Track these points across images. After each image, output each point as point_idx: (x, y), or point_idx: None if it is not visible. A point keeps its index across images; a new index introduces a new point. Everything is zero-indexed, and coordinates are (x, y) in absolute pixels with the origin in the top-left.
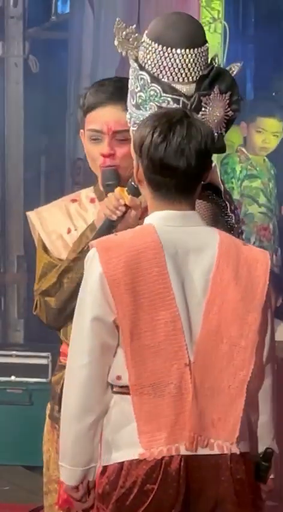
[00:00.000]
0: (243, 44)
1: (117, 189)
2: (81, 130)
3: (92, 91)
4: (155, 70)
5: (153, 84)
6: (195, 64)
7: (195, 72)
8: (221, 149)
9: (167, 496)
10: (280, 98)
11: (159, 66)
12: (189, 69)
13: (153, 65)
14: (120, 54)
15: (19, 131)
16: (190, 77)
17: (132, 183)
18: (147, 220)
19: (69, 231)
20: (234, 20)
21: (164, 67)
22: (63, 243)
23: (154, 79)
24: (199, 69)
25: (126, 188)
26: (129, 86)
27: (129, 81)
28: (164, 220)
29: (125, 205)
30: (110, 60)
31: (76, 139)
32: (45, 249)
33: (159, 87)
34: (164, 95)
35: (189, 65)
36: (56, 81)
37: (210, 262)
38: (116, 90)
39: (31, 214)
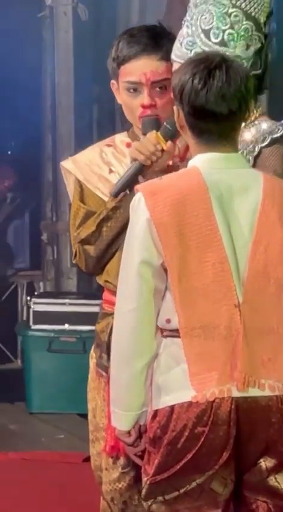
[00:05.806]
0: None
1: (152, 134)
2: (113, 81)
3: (124, 42)
4: (249, 7)
5: (246, 22)
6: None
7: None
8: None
9: (218, 439)
10: None
11: (253, 3)
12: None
13: (247, 2)
14: (167, 2)
15: (69, 80)
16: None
17: (168, 126)
18: (191, 163)
19: (110, 171)
20: None
21: (255, 3)
22: (107, 184)
23: (249, 16)
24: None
25: (160, 132)
26: (207, 24)
27: (209, 19)
28: (208, 163)
29: (162, 150)
30: (157, 8)
31: None
32: (82, 197)
33: (251, 24)
34: (255, 32)
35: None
36: (105, 29)
37: (255, 203)
38: (149, 40)
39: (65, 163)
